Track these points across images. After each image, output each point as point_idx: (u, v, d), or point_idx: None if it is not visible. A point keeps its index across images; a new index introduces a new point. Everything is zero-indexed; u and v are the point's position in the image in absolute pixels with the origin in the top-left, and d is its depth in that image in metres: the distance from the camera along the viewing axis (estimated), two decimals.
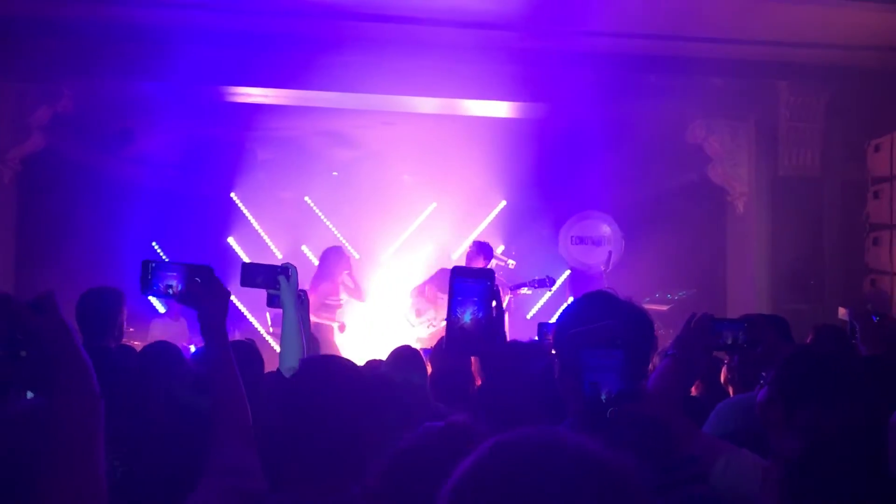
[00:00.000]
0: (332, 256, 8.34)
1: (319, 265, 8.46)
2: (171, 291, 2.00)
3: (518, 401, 1.59)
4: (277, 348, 3.19)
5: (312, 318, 7.70)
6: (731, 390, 3.88)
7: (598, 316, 1.45)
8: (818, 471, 1.58)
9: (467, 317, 1.56)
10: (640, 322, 1.73)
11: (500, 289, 7.75)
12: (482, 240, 8.79)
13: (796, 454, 1.77)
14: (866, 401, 1.77)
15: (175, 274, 2.00)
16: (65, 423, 1.40)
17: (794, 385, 2.02)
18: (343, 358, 2.07)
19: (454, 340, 1.57)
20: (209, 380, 1.87)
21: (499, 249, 9.75)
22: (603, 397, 1.30)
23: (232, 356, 1.90)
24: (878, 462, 1.52)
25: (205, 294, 1.92)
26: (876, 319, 3.43)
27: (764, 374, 2.08)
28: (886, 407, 1.38)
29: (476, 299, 1.55)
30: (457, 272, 1.58)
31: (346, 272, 8.40)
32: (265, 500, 1.69)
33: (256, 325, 9.56)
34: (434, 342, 7.77)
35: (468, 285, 1.56)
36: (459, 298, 1.56)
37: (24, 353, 1.42)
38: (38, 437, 1.44)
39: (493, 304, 1.59)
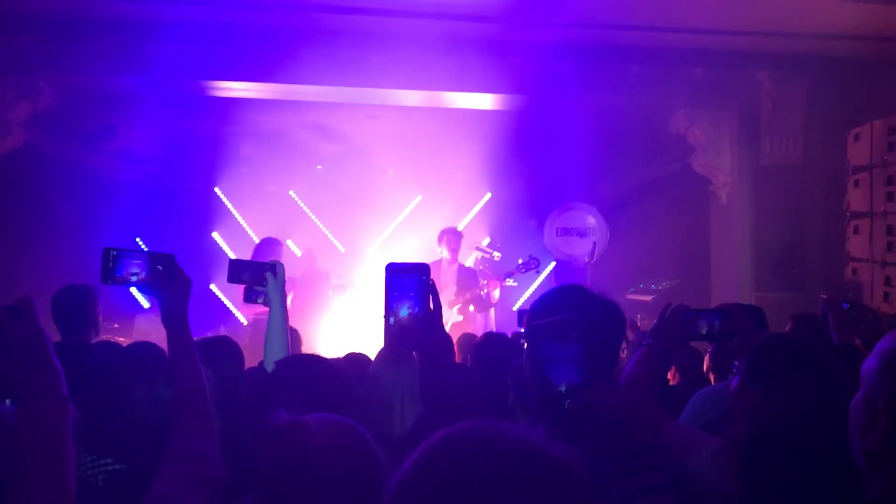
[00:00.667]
0: (266, 248, 8.19)
1: (252, 256, 8.21)
2: (134, 279, 1.98)
3: (458, 396, 1.59)
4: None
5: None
6: (712, 378, 3.92)
7: (562, 308, 1.45)
8: (763, 450, 1.60)
9: (404, 311, 1.56)
10: (607, 314, 1.74)
11: (489, 282, 7.77)
12: (466, 231, 8.80)
13: (742, 434, 1.79)
14: (828, 385, 1.79)
15: (139, 262, 1.97)
16: (33, 426, 1.41)
17: (763, 373, 2.04)
18: (320, 357, 2.09)
19: (392, 337, 1.57)
20: (170, 367, 1.86)
21: (484, 241, 9.77)
22: (562, 389, 1.31)
23: (192, 343, 1.89)
24: (834, 443, 1.54)
25: (166, 282, 1.91)
26: (846, 307, 3.47)
27: (736, 363, 2.10)
28: (850, 391, 1.40)
29: (412, 294, 1.55)
30: (391, 268, 1.58)
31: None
32: (224, 486, 1.70)
33: (242, 320, 9.55)
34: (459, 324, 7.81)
35: (403, 280, 1.56)
36: (395, 294, 1.56)
37: None
38: (7, 441, 1.45)
39: (430, 297, 1.58)
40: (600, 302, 1.76)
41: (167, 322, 1.89)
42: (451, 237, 8.28)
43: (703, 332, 2.42)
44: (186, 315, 1.92)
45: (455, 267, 8.28)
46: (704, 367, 4.17)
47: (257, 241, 10.09)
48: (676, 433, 2.12)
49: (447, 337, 1.63)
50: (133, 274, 1.95)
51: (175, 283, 1.91)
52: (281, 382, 1.96)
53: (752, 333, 2.44)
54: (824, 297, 3.87)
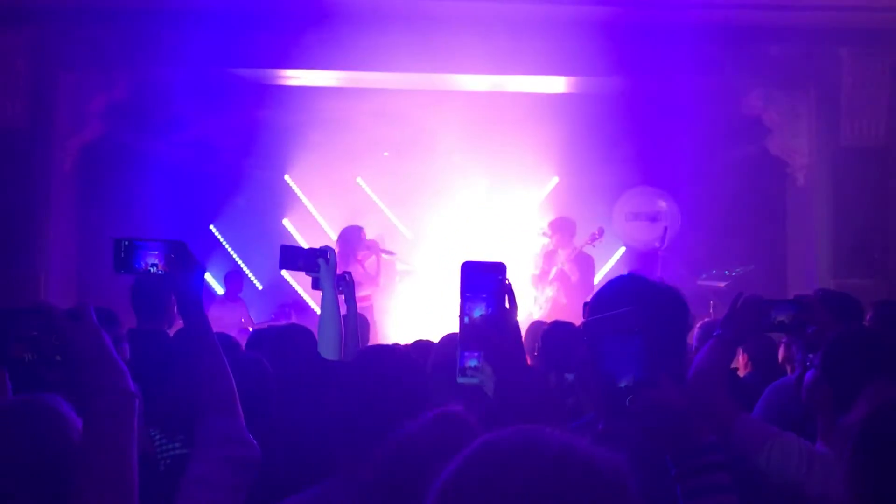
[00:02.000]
0: (350, 236, 8.26)
1: (338, 244, 8.29)
2: (153, 270, 1.99)
3: (527, 397, 1.56)
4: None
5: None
6: (788, 370, 3.80)
7: (622, 301, 1.41)
8: (884, 443, 1.49)
9: (477, 312, 1.54)
10: (669, 305, 1.68)
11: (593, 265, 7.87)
12: (540, 216, 8.83)
13: (857, 428, 1.68)
14: None
15: (155, 251, 1.97)
16: (99, 420, 1.45)
17: (839, 367, 1.95)
18: (395, 348, 2.10)
19: (466, 338, 1.55)
20: (192, 352, 1.89)
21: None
22: (622, 385, 1.27)
23: (210, 328, 1.91)
24: None
25: (179, 270, 1.93)
26: None
27: (811, 356, 2.02)
28: None
29: (487, 294, 1.53)
30: (467, 267, 1.56)
31: (366, 253, 8.32)
32: (259, 467, 1.73)
33: (316, 308, 9.68)
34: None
35: (479, 279, 1.54)
36: (470, 293, 1.54)
37: (58, 358, 1.53)
38: (61, 427, 1.50)
39: (506, 297, 1.55)
40: (662, 292, 1.71)
41: (183, 308, 1.91)
42: (568, 228, 8.46)
43: (777, 322, 2.34)
44: (201, 300, 1.94)
45: (573, 254, 8.42)
46: (780, 358, 4.04)
47: (327, 228, 10.23)
48: (747, 427, 2.05)
49: (518, 339, 1.60)
50: (153, 265, 1.96)
51: (188, 270, 1.93)
52: (357, 377, 1.96)
53: (830, 325, 2.33)
54: None
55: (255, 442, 1.81)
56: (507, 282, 1.55)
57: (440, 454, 0.95)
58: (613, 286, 1.76)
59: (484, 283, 1.54)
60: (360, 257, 8.25)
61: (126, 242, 1.96)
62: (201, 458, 1.74)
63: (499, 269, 1.56)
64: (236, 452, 1.74)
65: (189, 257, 1.95)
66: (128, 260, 1.96)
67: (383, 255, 8.53)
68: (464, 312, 1.54)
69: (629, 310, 1.29)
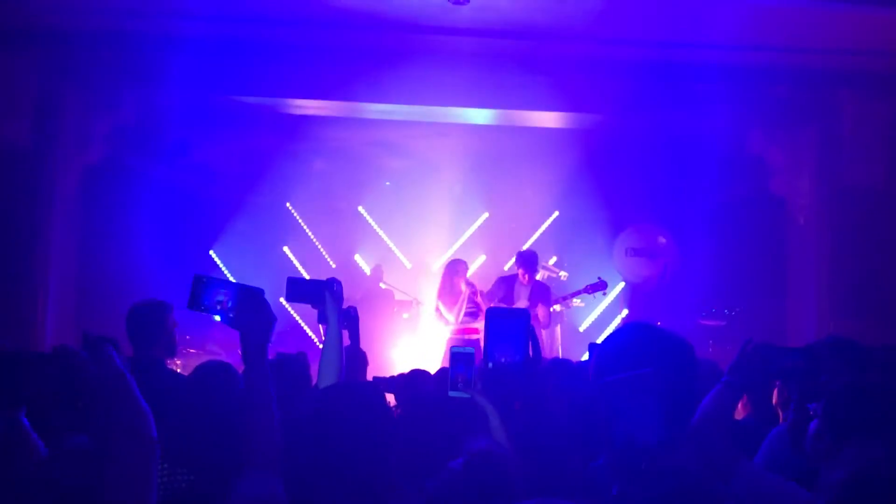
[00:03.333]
0: (453, 268, 8.06)
1: (442, 277, 8.19)
2: (219, 308, 1.96)
3: (551, 438, 1.55)
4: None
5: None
6: (780, 415, 3.75)
7: (635, 356, 1.39)
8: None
9: (501, 357, 1.54)
10: (683, 361, 1.65)
11: (550, 296, 7.61)
12: (535, 250, 8.70)
13: (838, 486, 1.69)
14: None
15: (227, 291, 1.94)
16: (122, 465, 1.44)
17: (841, 417, 1.94)
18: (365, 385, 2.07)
19: (489, 380, 1.55)
20: (245, 404, 1.86)
21: (551, 261, 9.67)
22: (638, 448, 1.25)
23: (270, 382, 1.87)
24: None
25: (252, 317, 1.89)
26: None
27: (813, 405, 2.00)
28: None
29: (511, 339, 1.52)
30: (492, 313, 1.56)
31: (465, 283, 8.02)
32: None
33: (314, 337, 9.65)
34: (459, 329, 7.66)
35: (504, 325, 1.54)
36: (495, 339, 1.54)
37: (80, 405, 1.50)
38: (90, 473, 1.48)
39: (530, 344, 1.55)
40: (676, 346, 1.66)
41: (248, 357, 1.87)
42: (530, 262, 8.08)
43: (785, 369, 2.31)
44: (266, 351, 1.90)
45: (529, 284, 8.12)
46: (773, 401, 4.00)
47: (326, 255, 10.22)
48: (752, 476, 2.03)
49: (543, 388, 1.60)
50: (219, 303, 1.93)
51: (260, 319, 1.89)
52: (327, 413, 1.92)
53: (840, 373, 2.31)
54: None
55: (285, 499, 1.76)
56: (531, 328, 1.55)
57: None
58: (626, 339, 1.69)
59: (508, 328, 1.53)
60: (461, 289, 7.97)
61: (204, 279, 1.93)
62: None
63: (523, 315, 1.56)
64: None
65: (264, 305, 1.91)
66: (199, 297, 1.94)
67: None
68: (488, 357, 1.54)
69: (647, 371, 1.27)
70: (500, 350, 1.53)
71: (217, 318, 1.94)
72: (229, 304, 1.93)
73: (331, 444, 1.78)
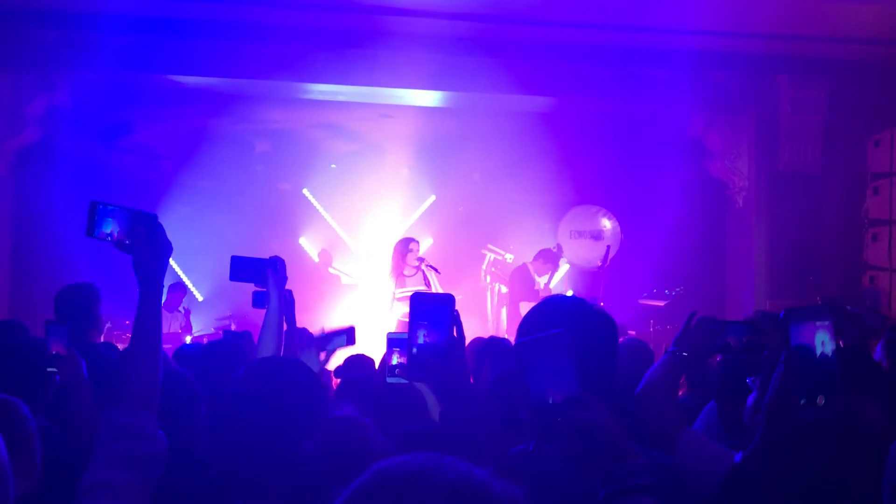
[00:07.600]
0: (402, 247, 7.85)
1: (393, 254, 7.96)
2: (109, 240, 1.87)
3: (473, 426, 1.58)
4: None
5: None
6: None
7: (550, 323, 1.42)
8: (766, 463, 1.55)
9: (420, 339, 1.56)
10: (598, 326, 1.72)
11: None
12: (479, 233, 8.77)
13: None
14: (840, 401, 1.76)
15: (118, 219, 1.84)
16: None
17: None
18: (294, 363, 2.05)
19: (412, 365, 1.57)
20: (133, 332, 1.77)
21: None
22: (551, 404, 1.28)
23: (160, 313, 1.81)
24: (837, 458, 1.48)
25: (145, 242, 1.81)
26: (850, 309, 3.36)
27: (750, 379, 2.04)
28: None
29: (436, 324, 1.56)
30: (417, 298, 1.59)
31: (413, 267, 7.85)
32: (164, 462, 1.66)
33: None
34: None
35: (429, 310, 1.57)
36: (420, 323, 1.57)
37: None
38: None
39: (454, 328, 1.59)
40: (590, 314, 1.75)
41: (140, 283, 1.79)
42: (552, 258, 8.66)
43: (730, 344, 2.33)
44: (161, 281, 1.83)
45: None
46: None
47: (272, 239, 10.09)
48: (692, 441, 2.08)
49: (464, 369, 1.63)
50: (114, 229, 1.84)
51: (154, 245, 1.81)
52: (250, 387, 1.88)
53: (782, 348, 2.35)
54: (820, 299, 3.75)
55: (161, 435, 1.69)
56: (455, 313, 1.58)
57: (342, 469, 0.92)
58: (542, 309, 1.79)
59: (434, 313, 1.56)
60: (405, 272, 7.79)
61: (99, 206, 1.83)
62: (103, 459, 1.62)
63: (448, 300, 1.58)
64: (138, 449, 1.63)
65: (159, 232, 1.83)
66: (96, 224, 1.84)
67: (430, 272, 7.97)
68: (412, 342, 1.56)
69: (556, 332, 1.30)
70: (426, 334, 1.55)
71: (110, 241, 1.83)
72: (118, 231, 1.84)
73: (245, 417, 1.76)
